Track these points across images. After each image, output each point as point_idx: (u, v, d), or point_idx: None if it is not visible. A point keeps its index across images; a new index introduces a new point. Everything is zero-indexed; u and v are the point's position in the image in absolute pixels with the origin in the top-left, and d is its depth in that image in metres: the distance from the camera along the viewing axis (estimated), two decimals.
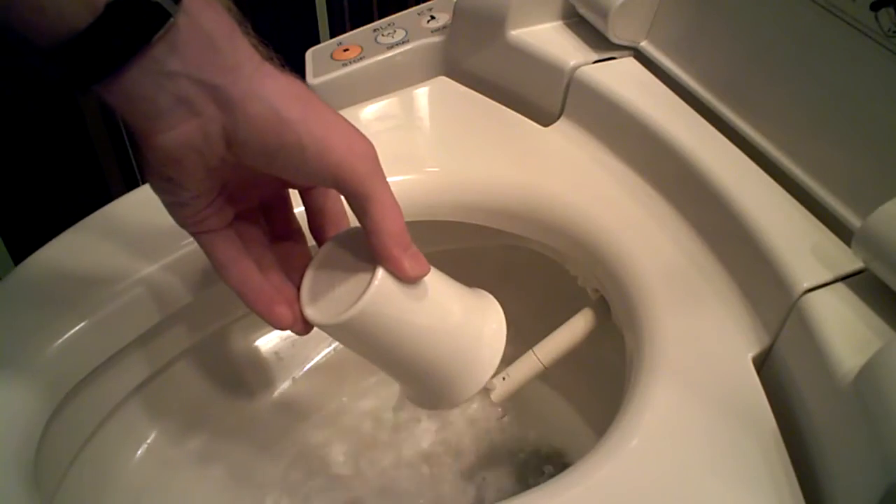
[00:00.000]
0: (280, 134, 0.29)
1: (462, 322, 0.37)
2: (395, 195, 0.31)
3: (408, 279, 0.33)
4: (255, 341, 0.56)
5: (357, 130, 0.32)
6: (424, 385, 0.38)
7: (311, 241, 0.38)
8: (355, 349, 0.36)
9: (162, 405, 0.51)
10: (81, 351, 0.40)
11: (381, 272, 0.32)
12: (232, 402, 0.55)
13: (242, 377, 0.56)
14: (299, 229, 0.38)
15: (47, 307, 0.40)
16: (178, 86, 0.28)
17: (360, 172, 0.31)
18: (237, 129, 0.29)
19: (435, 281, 0.35)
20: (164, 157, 0.29)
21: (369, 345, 0.35)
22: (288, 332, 0.56)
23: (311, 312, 0.34)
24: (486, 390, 0.47)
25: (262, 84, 0.29)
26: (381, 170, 0.32)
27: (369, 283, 0.32)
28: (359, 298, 0.32)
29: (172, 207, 0.32)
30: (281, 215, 0.37)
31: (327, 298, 0.34)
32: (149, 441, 0.50)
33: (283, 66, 0.31)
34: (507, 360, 0.60)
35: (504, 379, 0.48)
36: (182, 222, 0.33)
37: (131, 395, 0.47)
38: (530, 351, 0.49)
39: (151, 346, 0.47)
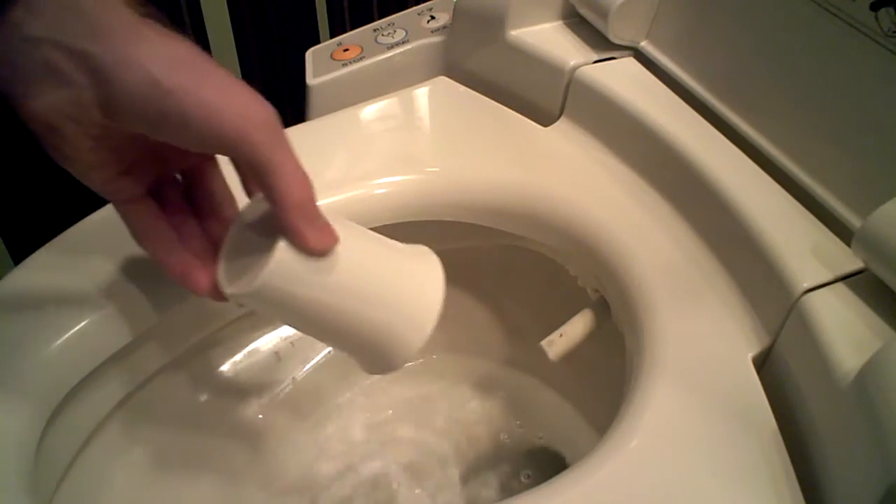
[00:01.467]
0: (160, 103, 0.27)
1: (387, 287, 0.35)
2: (395, 195, 0.31)
3: (312, 252, 0.32)
4: (254, 341, 0.56)
5: (254, 95, 0.30)
6: (357, 351, 0.37)
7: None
8: (280, 320, 0.36)
9: (161, 407, 0.51)
10: (82, 351, 0.40)
11: (281, 244, 0.31)
12: (232, 403, 0.55)
13: (242, 378, 0.56)
14: (228, 197, 0.36)
15: (47, 307, 0.40)
16: (43, 52, 0.26)
17: (254, 141, 0.29)
18: (112, 98, 0.27)
19: (352, 247, 0.34)
20: (40, 125, 0.28)
21: (288, 316, 0.35)
22: (289, 332, 0.57)
23: (223, 282, 0.33)
24: (544, 348, 0.47)
25: (137, 50, 0.27)
26: (281, 137, 0.30)
27: (270, 256, 0.31)
28: (261, 271, 0.31)
29: (81, 177, 0.31)
30: (205, 183, 0.36)
31: (239, 268, 0.33)
32: (150, 442, 0.50)
33: (176, 27, 0.29)
34: (505, 359, 0.61)
35: (561, 336, 0.47)
36: (98, 190, 0.32)
37: (132, 395, 0.47)
38: (586, 309, 0.48)
39: (150, 347, 0.47)
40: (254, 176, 0.30)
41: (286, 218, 0.30)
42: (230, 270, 0.34)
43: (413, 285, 0.36)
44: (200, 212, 0.36)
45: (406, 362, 0.36)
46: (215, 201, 0.36)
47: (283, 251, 0.31)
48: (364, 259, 0.35)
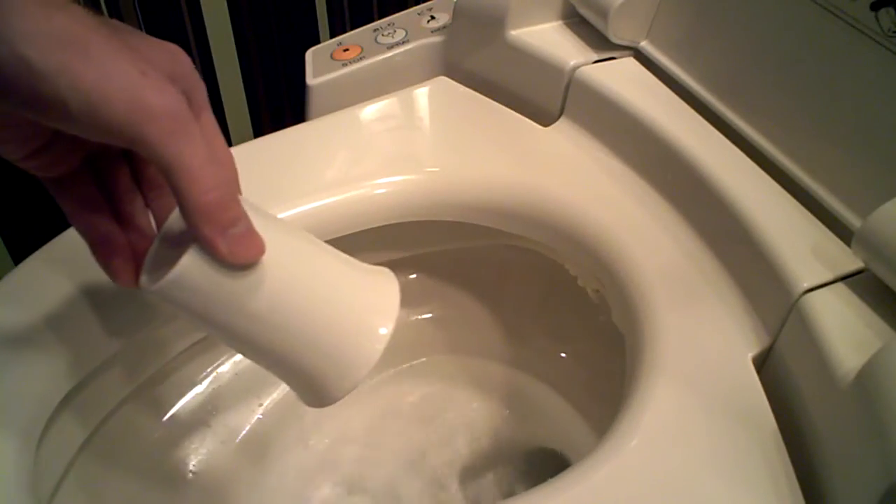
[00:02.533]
0: (33, 86, 0.24)
1: (319, 313, 0.31)
2: (395, 195, 0.30)
3: (228, 263, 0.28)
4: None
5: (153, 80, 0.25)
6: (286, 379, 0.33)
7: None
8: (201, 331, 0.33)
9: (160, 407, 0.51)
10: (81, 352, 0.40)
11: (191, 251, 0.28)
12: (232, 403, 0.55)
13: (242, 378, 0.56)
14: None
15: (47, 308, 0.40)
16: None
17: (147, 134, 0.25)
18: None
19: (285, 260, 0.30)
20: None
21: (204, 328, 0.31)
22: None
23: (143, 276, 0.30)
24: None
25: (8, 25, 0.23)
26: (184, 130, 0.26)
27: (178, 261, 0.28)
28: (166, 274, 0.28)
29: None
30: (144, 163, 0.32)
31: (161, 264, 0.30)
32: (148, 444, 0.50)
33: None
34: (505, 359, 0.61)
35: None
36: (17, 165, 0.29)
37: (131, 396, 0.47)
38: None
39: (151, 347, 0.47)
40: (160, 173, 0.27)
41: (192, 224, 0.27)
42: (154, 264, 0.31)
43: (354, 313, 0.32)
44: (147, 191, 0.33)
45: (343, 395, 0.32)
46: (160, 179, 0.32)
47: (191, 256, 0.28)
48: (298, 277, 0.31)
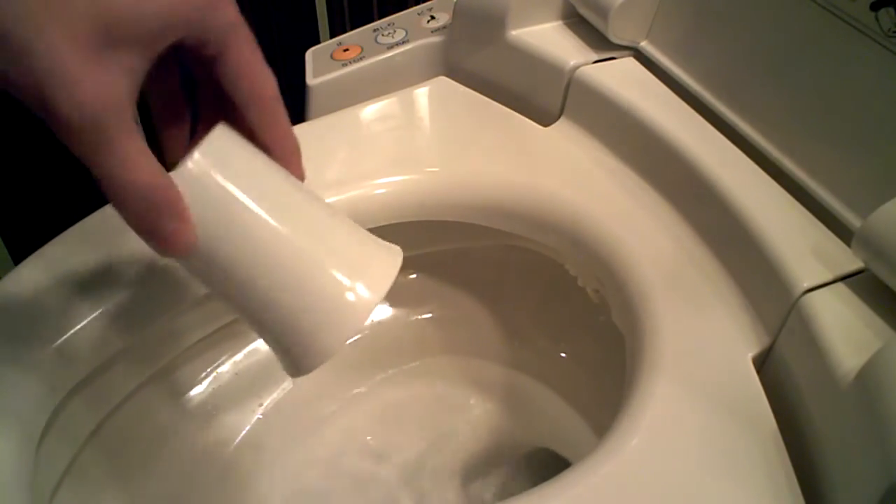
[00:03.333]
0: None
1: (305, 271, 0.30)
2: (395, 195, 0.30)
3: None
4: (254, 341, 0.56)
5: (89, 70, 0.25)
6: (263, 334, 0.32)
7: None
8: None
9: (159, 408, 0.51)
10: (82, 351, 0.40)
11: (223, 125, 0.29)
12: (232, 403, 0.55)
13: (242, 378, 0.56)
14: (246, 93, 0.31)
15: (47, 308, 0.40)
16: None
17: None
18: None
19: (299, 192, 0.31)
20: None
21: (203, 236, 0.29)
22: None
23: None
24: None
25: None
26: (108, 138, 0.25)
27: (210, 134, 0.28)
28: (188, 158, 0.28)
29: None
30: (216, 74, 0.31)
31: None
32: (148, 444, 0.50)
33: None
34: (505, 360, 0.61)
35: None
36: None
37: (130, 396, 0.47)
38: None
39: (150, 347, 0.47)
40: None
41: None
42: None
43: (338, 278, 0.31)
44: (227, 108, 0.32)
45: (317, 364, 0.31)
46: (230, 99, 0.31)
47: (223, 128, 0.29)
48: (284, 232, 0.30)
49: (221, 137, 0.30)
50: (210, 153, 0.29)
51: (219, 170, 0.29)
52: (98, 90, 0.25)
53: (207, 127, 0.30)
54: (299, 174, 0.33)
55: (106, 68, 0.25)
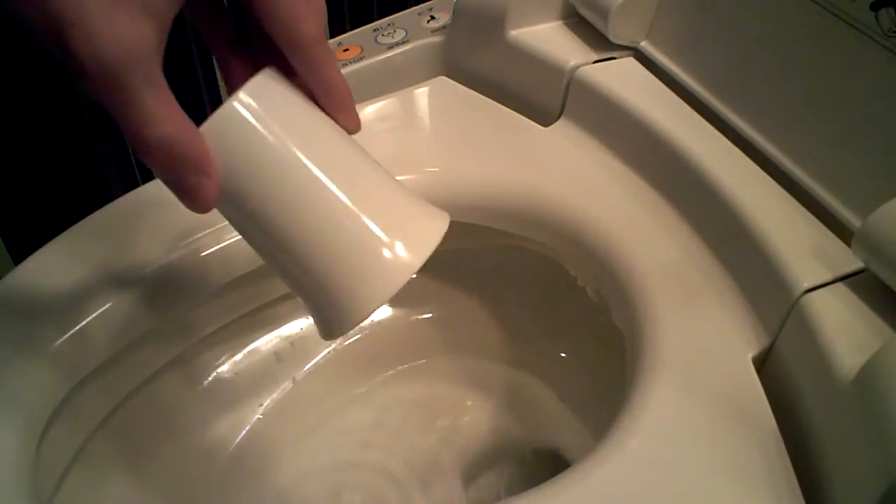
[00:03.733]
0: None
1: (370, 204, 0.29)
2: None
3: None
4: (254, 341, 0.56)
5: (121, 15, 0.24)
6: (301, 283, 0.31)
7: None
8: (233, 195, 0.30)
9: (159, 409, 0.51)
10: (82, 351, 0.40)
11: (269, 70, 0.28)
12: (231, 403, 0.55)
13: (242, 378, 0.56)
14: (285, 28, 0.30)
15: (47, 308, 0.40)
16: None
17: (96, 81, 0.24)
18: None
19: (343, 144, 0.30)
20: None
21: (240, 175, 0.29)
22: (289, 332, 0.57)
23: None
24: None
25: None
26: (131, 83, 0.25)
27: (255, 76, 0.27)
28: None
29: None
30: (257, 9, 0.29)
31: None
32: (148, 444, 0.50)
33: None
34: (505, 359, 0.61)
35: None
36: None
37: (130, 397, 0.47)
38: None
39: (149, 348, 0.47)
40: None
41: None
42: None
43: (379, 238, 0.29)
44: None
45: (353, 324, 0.30)
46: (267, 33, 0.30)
47: (269, 72, 0.28)
48: (365, 156, 0.30)
49: (264, 83, 0.29)
50: (248, 100, 0.28)
51: (256, 118, 0.28)
52: (121, 40, 0.24)
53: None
54: (351, 124, 0.31)
55: (129, 14, 0.24)
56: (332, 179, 0.29)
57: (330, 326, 0.31)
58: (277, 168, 0.28)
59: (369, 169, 0.31)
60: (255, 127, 0.28)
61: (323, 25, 0.29)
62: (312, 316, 0.32)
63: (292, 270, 0.30)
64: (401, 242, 0.29)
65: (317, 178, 0.29)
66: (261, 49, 0.31)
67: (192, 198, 0.27)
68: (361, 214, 0.29)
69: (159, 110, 0.26)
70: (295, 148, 0.28)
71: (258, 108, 0.28)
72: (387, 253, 0.29)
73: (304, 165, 0.28)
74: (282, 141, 0.28)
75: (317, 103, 0.30)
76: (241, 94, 0.28)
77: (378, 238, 0.29)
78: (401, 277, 0.29)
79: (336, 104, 0.31)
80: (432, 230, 0.31)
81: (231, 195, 0.28)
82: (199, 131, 0.27)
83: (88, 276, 0.41)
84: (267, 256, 0.31)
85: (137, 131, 0.25)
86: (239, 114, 0.28)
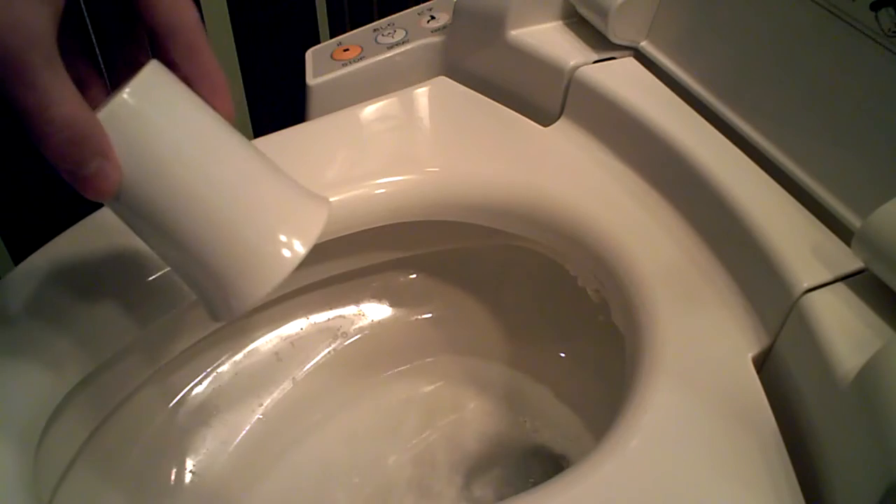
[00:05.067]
0: None
1: (256, 195, 0.30)
2: (395, 195, 0.30)
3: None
4: (254, 342, 0.56)
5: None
6: (191, 272, 0.32)
7: None
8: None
9: (159, 409, 0.51)
10: (82, 351, 0.40)
11: (154, 63, 0.28)
12: (231, 404, 0.55)
13: (242, 378, 0.56)
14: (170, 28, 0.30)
15: (47, 308, 0.40)
16: None
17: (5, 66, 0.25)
18: None
19: (230, 137, 0.31)
20: None
21: (132, 165, 0.29)
22: (289, 332, 0.57)
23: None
24: None
25: None
26: (29, 66, 0.25)
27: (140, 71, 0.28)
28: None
29: None
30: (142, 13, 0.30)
31: None
32: (148, 444, 0.50)
33: None
34: (505, 359, 0.61)
35: None
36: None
37: (130, 397, 0.47)
38: None
39: (149, 348, 0.47)
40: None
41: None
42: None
43: (263, 225, 0.30)
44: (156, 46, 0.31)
45: (237, 313, 0.31)
46: (153, 28, 0.30)
47: (156, 64, 0.29)
48: (251, 150, 0.31)
49: (151, 76, 0.29)
50: (137, 93, 0.29)
51: (145, 110, 0.29)
52: (20, 23, 0.24)
53: (130, 68, 0.30)
54: (226, 110, 0.32)
55: (26, 0, 0.25)
56: (219, 171, 0.30)
57: (217, 312, 0.32)
58: (166, 160, 0.29)
59: (255, 162, 0.31)
60: (145, 119, 0.28)
61: (198, 15, 0.30)
62: (200, 299, 0.33)
63: (180, 259, 0.31)
64: (286, 233, 0.30)
65: (205, 170, 0.30)
66: (137, 44, 0.32)
67: (96, 183, 0.28)
68: (249, 207, 0.30)
69: (60, 92, 0.26)
70: (183, 144, 0.29)
71: (147, 99, 0.29)
72: (273, 244, 0.30)
73: (191, 162, 0.29)
74: (172, 133, 0.29)
75: (193, 89, 0.31)
76: (131, 87, 0.28)
77: (265, 230, 0.30)
78: (287, 267, 0.30)
79: (212, 89, 0.31)
80: (316, 218, 0.32)
81: (122, 189, 0.29)
82: (97, 116, 0.27)
83: (89, 275, 0.41)
84: (154, 246, 0.32)
85: (39, 112, 0.25)
86: (130, 106, 0.28)
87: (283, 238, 0.30)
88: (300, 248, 0.30)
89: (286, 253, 0.30)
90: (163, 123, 0.29)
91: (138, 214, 0.30)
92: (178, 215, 0.29)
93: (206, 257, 0.30)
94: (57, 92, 0.26)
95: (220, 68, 0.31)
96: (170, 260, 0.32)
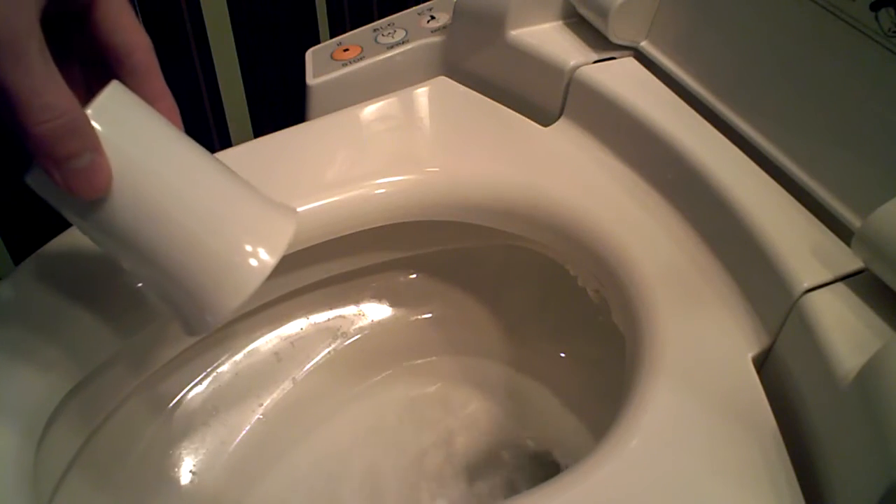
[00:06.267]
0: None
1: (192, 231, 0.30)
2: (395, 195, 0.30)
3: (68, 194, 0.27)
4: (254, 342, 0.56)
5: None
6: (162, 288, 0.32)
7: None
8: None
9: (158, 410, 0.51)
10: (83, 351, 0.40)
11: (116, 83, 0.29)
12: (231, 404, 0.55)
13: (242, 378, 0.56)
14: (128, 44, 0.31)
15: (47, 307, 0.40)
16: None
17: None
18: None
19: (194, 151, 0.31)
20: None
21: (77, 225, 0.30)
22: (289, 333, 0.57)
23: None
24: None
25: None
26: (16, 49, 0.25)
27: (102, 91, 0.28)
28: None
29: None
30: (91, 27, 0.30)
31: None
32: (148, 444, 0.50)
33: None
34: (505, 360, 0.61)
35: None
36: None
37: (128, 398, 0.47)
38: None
39: (149, 348, 0.47)
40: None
41: (30, 152, 0.27)
42: None
43: (230, 237, 0.31)
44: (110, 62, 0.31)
45: (209, 328, 0.32)
46: (111, 50, 0.31)
47: (116, 85, 0.29)
48: (166, 193, 0.30)
49: (116, 94, 0.29)
50: (104, 109, 0.29)
51: (113, 126, 0.29)
52: (14, 13, 0.25)
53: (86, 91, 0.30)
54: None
55: None
56: (185, 186, 0.30)
57: (191, 326, 0.32)
58: (132, 175, 0.29)
59: (219, 173, 0.32)
60: (110, 136, 0.28)
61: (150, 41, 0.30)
62: (171, 315, 0.33)
63: (150, 276, 0.31)
64: (254, 244, 0.31)
65: (172, 188, 0.30)
66: (92, 67, 0.32)
67: (89, 176, 0.27)
68: (218, 221, 0.30)
69: (56, 81, 0.26)
70: (150, 159, 0.29)
71: (112, 117, 0.29)
72: (243, 257, 0.30)
73: (160, 177, 0.30)
74: (137, 149, 0.29)
75: None
76: (94, 106, 0.28)
77: (234, 243, 0.30)
78: (258, 278, 0.31)
79: (168, 109, 0.32)
80: (283, 229, 0.32)
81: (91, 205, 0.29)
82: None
83: (89, 275, 0.41)
84: (125, 264, 0.32)
85: (36, 97, 0.25)
86: (95, 122, 0.28)
87: (249, 249, 0.31)
88: (269, 259, 0.31)
89: (254, 263, 0.30)
90: (127, 140, 0.29)
91: (106, 232, 0.30)
92: (146, 232, 0.29)
93: (176, 272, 0.30)
94: (53, 80, 0.26)
95: (169, 91, 0.32)
96: (142, 277, 0.33)
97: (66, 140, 0.27)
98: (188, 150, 0.31)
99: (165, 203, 0.30)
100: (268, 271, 0.31)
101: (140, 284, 0.36)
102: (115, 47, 0.30)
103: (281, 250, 0.31)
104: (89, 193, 0.28)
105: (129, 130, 0.29)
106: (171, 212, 0.30)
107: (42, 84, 0.26)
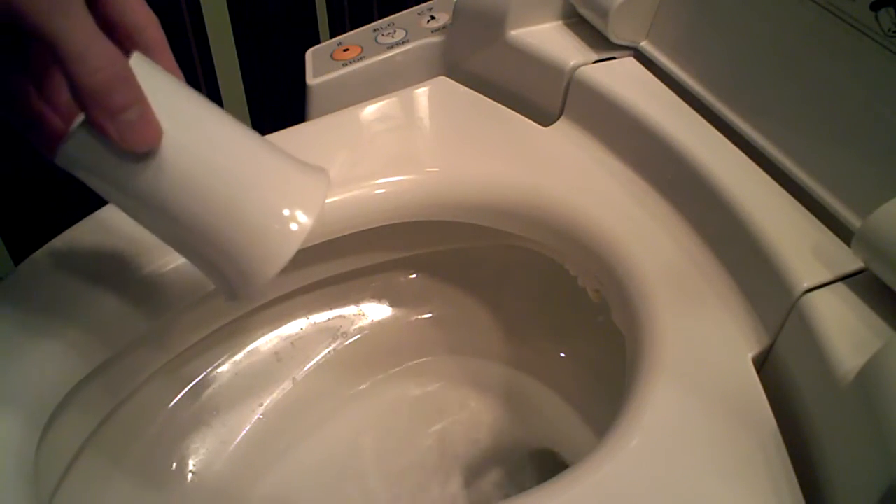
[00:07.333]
0: None
1: (229, 195, 0.30)
2: (395, 195, 0.30)
3: (122, 148, 0.27)
4: (254, 342, 0.56)
5: None
6: (198, 264, 0.33)
7: None
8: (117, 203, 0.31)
9: (158, 409, 0.51)
10: (83, 351, 0.40)
11: (80, 126, 0.28)
12: (231, 404, 0.55)
13: (242, 378, 0.56)
14: (139, 23, 0.31)
15: (47, 308, 0.40)
16: None
17: (26, 7, 0.24)
18: None
19: (193, 138, 0.30)
20: None
21: (114, 197, 0.30)
22: (289, 332, 0.57)
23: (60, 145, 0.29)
24: None
25: None
26: (64, 3, 0.25)
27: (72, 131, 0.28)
28: (63, 144, 0.28)
29: None
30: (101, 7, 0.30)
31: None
32: (148, 443, 0.50)
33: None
34: (505, 359, 0.61)
35: None
36: None
37: (129, 398, 0.47)
38: None
39: (148, 348, 0.47)
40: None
41: (80, 105, 0.26)
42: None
43: (266, 202, 0.31)
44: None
45: (254, 290, 0.32)
46: (121, 28, 0.30)
47: (81, 132, 0.28)
48: (205, 158, 0.30)
49: (142, 59, 0.29)
50: (140, 67, 0.29)
51: (151, 82, 0.28)
52: None
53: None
54: None
55: None
56: (220, 152, 0.30)
57: (232, 291, 0.32)
58: (176, 132, 0.29)
59: (253, 139, 0.32)
60: (150, 92, 0.28)
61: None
62: (214, 281, 0.33)
63: (191, 241, 0.31)
64: (291, 207, 0.31)
65: (207, 151, 0.30)
66: None
67: (142, 128, 0.27)
68: (254, 185, 0.30)
69: (100, 35, 0.26)
70: (185, 124, 0.29)
71: (148, 75, 0.29)
72: (281, 220, 0.31)
73: (196, 141, 0.30)
74: (179, 108, 0.29)
75: None
76: (132, 61, 0.28)
77: (271, 207, 0.31)
78: (296, 240, 0.31)
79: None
80: (318, 189, 0.32)
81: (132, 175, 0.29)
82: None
83: (89, 275, 0.41)
84: (165, 235, 0.32)
85: (90, 46, 0.25)
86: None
87: (287, 213, 0.31)
88: (306, 220, 0.31)
89: (293, 227, 0.31)
90: (166, 98, 0.29)
91: (150, 194, 0.29)
92: (187, 198, 0.29)
93: (217, 239, 0.30)
94: (98, 33, 0.26)
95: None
96: (180, 243, 0.32)
97: (120, 90, 0.27)
98: (216, 118, 0.31)
99: (201, 172, 0.29)
100: (305, 233, 0.31)
101: (164, 270, 0.36)
102: (125, 26, 0.30)
103: (316, 211, 0.31)
104: (142, 146, 0.28)
105: (165, 89, 0.29)
106: (207, 180, 0.30)
107: (91, 36, 0.26)
